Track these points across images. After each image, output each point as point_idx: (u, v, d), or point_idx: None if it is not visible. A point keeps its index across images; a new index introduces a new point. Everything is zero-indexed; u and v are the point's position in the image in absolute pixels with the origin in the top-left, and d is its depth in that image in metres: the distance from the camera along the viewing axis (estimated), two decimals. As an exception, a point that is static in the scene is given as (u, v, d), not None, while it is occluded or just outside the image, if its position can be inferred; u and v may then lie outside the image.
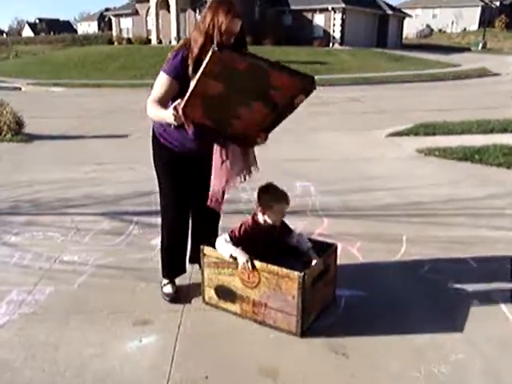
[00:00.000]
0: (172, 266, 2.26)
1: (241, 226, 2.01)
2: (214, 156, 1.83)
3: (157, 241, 2.54)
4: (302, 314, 1.98)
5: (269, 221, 1.95)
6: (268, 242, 1.99)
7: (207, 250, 2.13)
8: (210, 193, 1.88)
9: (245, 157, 1.84)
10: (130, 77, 12.91)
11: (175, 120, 1.68)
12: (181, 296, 2.26)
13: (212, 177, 1.85)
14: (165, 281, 2.30)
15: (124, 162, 4.32)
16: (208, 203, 1.91)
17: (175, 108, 1.68)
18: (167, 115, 1.73)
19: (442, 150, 4.45)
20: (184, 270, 2.29)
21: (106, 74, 13.69)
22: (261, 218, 1.96)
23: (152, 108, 1.80)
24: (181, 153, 1.92)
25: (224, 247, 1.96)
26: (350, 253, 2.67)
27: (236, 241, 1.99)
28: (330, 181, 3.95)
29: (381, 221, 3.08)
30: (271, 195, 1.94)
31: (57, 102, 8.76)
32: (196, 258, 2.25)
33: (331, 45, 19.87)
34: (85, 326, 2.01)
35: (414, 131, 5.35)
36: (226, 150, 1.81)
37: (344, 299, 2.26)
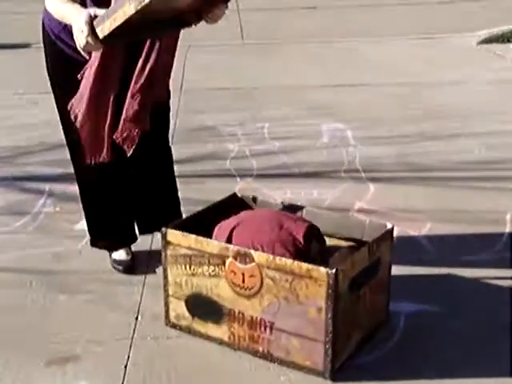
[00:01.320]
0: (112, 235, 2.54)
1: None
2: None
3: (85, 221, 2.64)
4: (334, 340, 1.98)
5: None
6: None
7: (172, 234, 2.14)
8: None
9: None
10: None
11: (84, 41, 1.91)
12: (138, 266, 2.52)
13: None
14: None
15: (22, 89, 4.46)
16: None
17: (91, 27, 1.90)
18: (77, 25, 1.93)
19: None
20: (134, 238, 2.61)
21: None
22: None
23: None
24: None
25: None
26: (413, 241, 2.72)
27: None
28: (381, 121, 4.09)
29: (466, 188, 3.14)
30: None
31: None
32: (147, 227, 2.55)
33: None
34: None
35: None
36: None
37: (404, 318, 2.28)
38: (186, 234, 2.10)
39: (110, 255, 2.58)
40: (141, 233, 2.63)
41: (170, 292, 2.20)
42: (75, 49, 1.99)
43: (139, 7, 1.77)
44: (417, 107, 4.28)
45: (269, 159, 3.56)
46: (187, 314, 2.19)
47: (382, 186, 3.24)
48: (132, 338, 2.19)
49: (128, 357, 2.10)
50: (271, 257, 1.99)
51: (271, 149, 3.72)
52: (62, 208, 3.03)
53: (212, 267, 2.08)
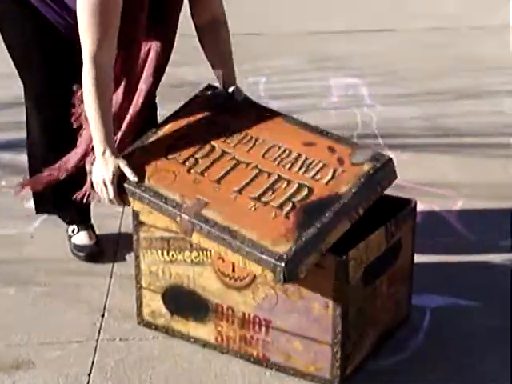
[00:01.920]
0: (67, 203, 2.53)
1: None
2: None
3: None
4: (344, 341, 1.99)
5: None
6: None
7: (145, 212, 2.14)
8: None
9: None
10: None
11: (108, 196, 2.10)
12: (104, 253, 2.58)
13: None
14: (71, 227, 2.62)
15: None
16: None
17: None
18: (101, 169, 2.10)
19: None
20: (87, 216, 2.66)
21: None
22: None
23: (95, 86, 2.10)
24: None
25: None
26: (440, 221, 2.77)
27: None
28: (404, 75, 4.15)
29: (507, 158, 3.19)
30: None
31: None
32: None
33: None
34: None
35: None
36: None
37: (429, 314, 2.31)
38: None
39: (70, 239, 2.61)
40: None
41: (144, 284, 2.21)
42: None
43: None
44: (449, 58, 4.32)
45: None
46: (164, 310, 2.20)
47: (404, 154, 3.24)
48: (97, 339, 2.20)
49: (92, 362, 2.11)
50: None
51: None
52: (8, 182, 3.03)
53: (195, 253, 2.09)
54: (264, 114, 2.26)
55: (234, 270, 2.05)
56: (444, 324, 2.26)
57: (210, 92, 2.31)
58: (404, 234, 2.16)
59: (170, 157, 2.11)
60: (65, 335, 2.22)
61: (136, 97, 2.27)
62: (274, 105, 3.74)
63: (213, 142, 2.15)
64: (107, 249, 2.61)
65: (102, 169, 2.06)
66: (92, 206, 2.62)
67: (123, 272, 2.47)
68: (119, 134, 2.24)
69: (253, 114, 2.25)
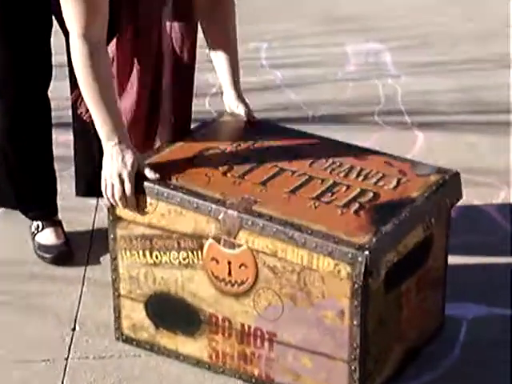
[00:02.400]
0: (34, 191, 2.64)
1: None
2: None
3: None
4: (364, 358, 1.99)
5: None
6: None
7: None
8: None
9: None
10: None
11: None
12: (75, 254, 2.59)
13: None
14: (35, 223, 2.65)
15: None
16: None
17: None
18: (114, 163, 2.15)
19: None
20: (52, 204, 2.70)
21: None
22: None
23: (87, 62, 2.11)
24: None
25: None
26: (480, 215, 2.77)
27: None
28: (435, 40, 4.15)
29: None
30: None
31: None
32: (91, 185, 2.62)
33: None
34: None
35: None
36: None
37: (465, 325, 2.32)
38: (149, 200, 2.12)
39: (34, 238, 2.63)
40: (80, 193, 2.73)
41: (123, 291, 2.22)
42: None
43: None
44: (491, 19, 4.28)
45: (267, 97, 3.55)
46: (148, 322, 2.21)
47: (436, 134, 3.26)
48: (67, 358, 2.21)
49: (61, 385, 2.12)
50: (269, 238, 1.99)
51: (271, 81, 3.72)
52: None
53: (184, 253, 2.11)
54: (291, 134, 2.41)
55: (230, 273, 2.06)
56: (483, 338, 2.27)
57: (226, 118, 2.44)
58: (436, 229, 2.16)
59: (196, 163, 2.18)
60: (28, 353, 2.22)
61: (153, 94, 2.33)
62: (278, 75, 3.80)
63: (246, 154, 2.24)
64: (78, 249, 2.62)
65: (117, 162, 2.10)
66: (59, 198, 2.64)
67: (98, 277, 2.49)
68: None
69: (278, 134, 2.38)
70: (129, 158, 2.10)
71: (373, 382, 2.06)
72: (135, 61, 2.28)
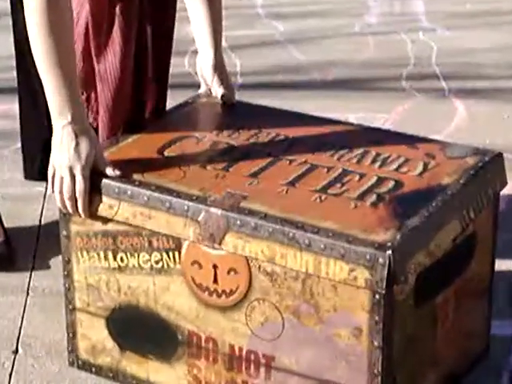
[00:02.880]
0: None
1: None
2: None
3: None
4: None
5: None
6: None
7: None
8: None
9: None
10: None
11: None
12: (18, 257, 2.61)
13: None
14: None
15: None
16: None
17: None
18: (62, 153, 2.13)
19: None
20: None
21: None
22: None
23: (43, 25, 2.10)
24: None
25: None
26: None
27: None
28: None
29: None
30: None
31: None
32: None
33: None
34: None
35: None
36: None
37: None
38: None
39: None
40: (30, 176, 2.77)
41: (79, 304, 2.24)
42: None
43: None
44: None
45: (264, 55, 3.58)
46: (111, 343, 2.23)
47: (480, 105, 3.29)
48: None
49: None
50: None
51: (269, 36, 3.73)
52: None
53: (157, 255, 2.12)
54: (285, 116, 2.46)
55: (216, 281, 2.07)
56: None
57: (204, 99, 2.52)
58: (480, 226, 2.18)
59: (168, 154, 2.22)
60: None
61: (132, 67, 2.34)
62: (279, 27, 3.82)
63: (230, 142, 2.28)
64: (22, 250, 2.62)
65: (68, 151, 2.08)
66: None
67: (46, 285, 2.49)
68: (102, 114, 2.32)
69: (269, 116, 2.44)
70: (84, 147, 2.09)
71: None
72: (117, 7, 2.28)
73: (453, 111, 3.30)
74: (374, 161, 2.19)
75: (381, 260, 1.84)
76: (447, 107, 3.32)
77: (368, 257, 1.86)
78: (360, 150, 2.24)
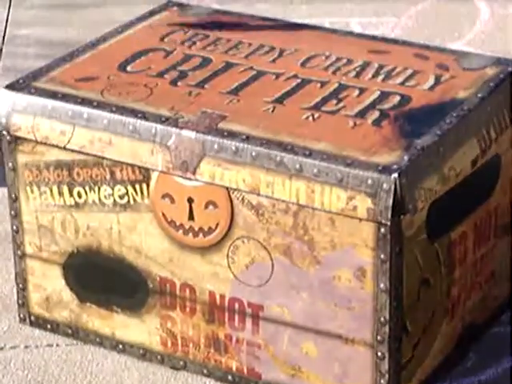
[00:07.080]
0: None
1: None
2: None
3: None
4: (396, 340, 1.96)
5: None
6: None
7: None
8: None
9: None
10: None
11: None
12: None
13: None
14: None
15: None
16: None
17: None
18: None
19: None
20: None
21: None
22: None
23: None
24: None
25: None
26: None
27: None
28: None
29: None
30: None
31: None
32: None
33: None
34: None
35: None
36: None
37: None
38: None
39: None
40: None
41: (29, 249, 2.21)
42: None
43: None
44: None
45: None
46: (68, 294, 2.20)
47: (507, 5, 3.26)
48: None
49: None
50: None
51: None
52: None
53: (121, 188, 2.07)
54: (269, 23, 2.42)
55: (192, 217, 2.03)
56: None
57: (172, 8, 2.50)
58: (504, 148, 2.16)
59: (131, 70, 2.19)
60: None
61: None
62: None
63: (203, 54, 2.24)
64: None
65: None
66: None
67: None
68: None
69: (251, 23, 2.39)
70: None
71: (411, 376, 2.02)
72: None
73: (474, 13, 3.32)
74: (376, 74, 2.14)
75: (385, 185, 1.80)
76: (468, 9, 3.36)
77: (370, 182, 1.82)
78: (359, 62, 2.18)
